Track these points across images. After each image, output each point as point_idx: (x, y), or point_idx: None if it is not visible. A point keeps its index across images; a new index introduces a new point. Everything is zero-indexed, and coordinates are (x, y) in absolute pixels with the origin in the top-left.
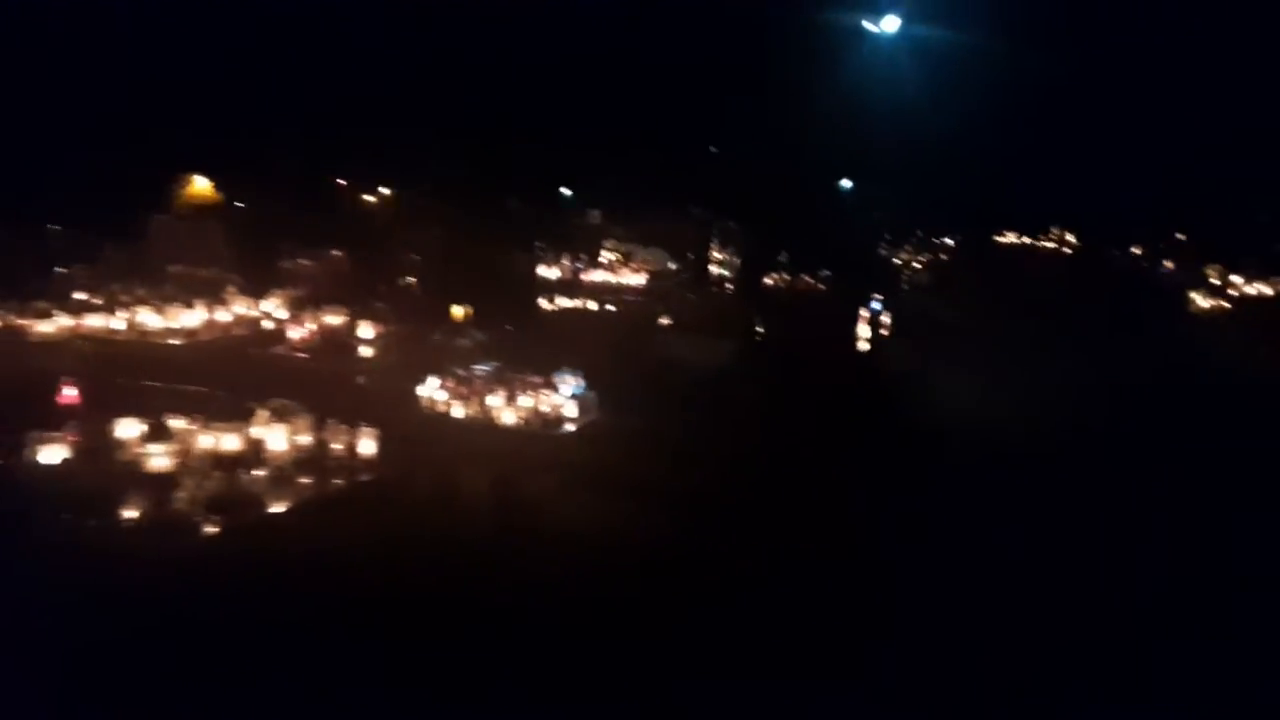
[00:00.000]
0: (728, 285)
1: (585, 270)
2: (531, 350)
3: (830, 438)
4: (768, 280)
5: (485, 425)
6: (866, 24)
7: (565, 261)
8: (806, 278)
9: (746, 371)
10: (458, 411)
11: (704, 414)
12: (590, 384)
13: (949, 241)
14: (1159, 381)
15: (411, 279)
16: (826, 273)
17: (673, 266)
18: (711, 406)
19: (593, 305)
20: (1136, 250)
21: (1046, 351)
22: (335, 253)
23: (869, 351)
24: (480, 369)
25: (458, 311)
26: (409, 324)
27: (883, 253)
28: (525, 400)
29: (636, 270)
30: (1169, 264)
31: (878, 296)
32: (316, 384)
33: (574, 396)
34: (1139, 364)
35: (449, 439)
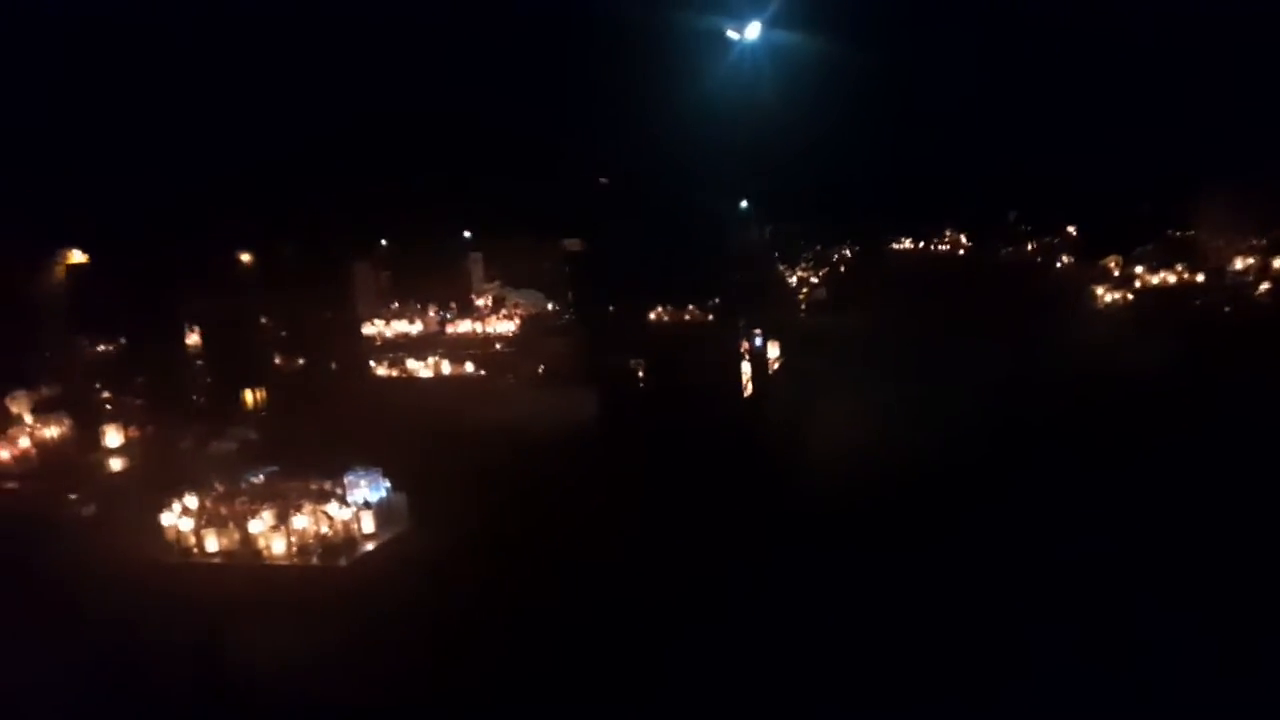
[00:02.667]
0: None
1: (451, 321)
2: (337, 439)
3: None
4: (652, 315)
5: (245, 564)
6: (730, 32)
7: (431, 314)
8: (693, 309)
9: (621, 430)
10: (212, 544)
11: (561, 500)
12: (406, 477)
13: (847, 254)
14: (1074, 376)
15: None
16: (714, 301)
17: (552, 308)
18: (573, 489)
19: (444, 366)
20: (1031, 246)
21: (953, 355)
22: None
23: (755, 393)
24: (253, 478)
25: (250, 397)
26: (178, 420)
27: (780, 270)
28: (302, 519)
29: (508, 316)
30: (1066, 258)
31: (757, 331)
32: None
33: (369, 505)
34: (1049, 359)
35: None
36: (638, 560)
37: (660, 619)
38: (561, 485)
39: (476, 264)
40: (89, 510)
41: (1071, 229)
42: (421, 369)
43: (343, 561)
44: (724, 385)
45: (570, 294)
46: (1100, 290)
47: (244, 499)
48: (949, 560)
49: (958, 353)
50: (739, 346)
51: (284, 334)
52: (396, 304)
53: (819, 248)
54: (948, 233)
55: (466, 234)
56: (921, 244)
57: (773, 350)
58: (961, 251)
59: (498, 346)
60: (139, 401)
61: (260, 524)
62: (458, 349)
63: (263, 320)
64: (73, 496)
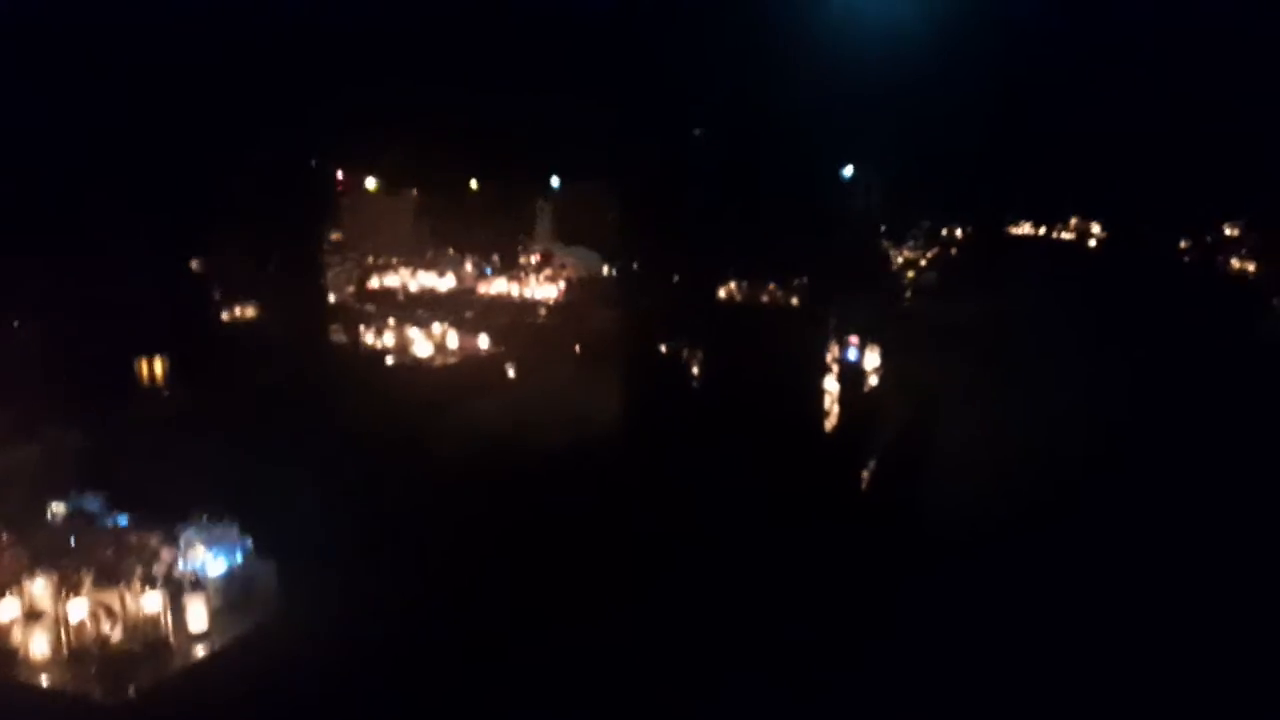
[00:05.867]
0: (676, 297)
1: (487, 279)
2: (238, 444)
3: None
4: (724, 292)
5: None
6: None
7: (468, 267)
8: (773, 288)
9: (651, 452)
10: None
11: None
12: (315, 520)
13: (959, 234)
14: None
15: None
16: (803, 280)
17: (609, 272)
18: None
19: (450, 337)
20: (1185, 244)
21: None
22: None
23: (845, 418)
24: (60, 511)
25: (153, 368)
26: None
27: (884, 246)
28: (80, 604)
29: (553, 278)
30: (1241, 262)
31: (852, 339)
32: None
33: (198, 584)
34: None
35: None
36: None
37: None
38: (544, 552)
39: (543, 212)
40: None
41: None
42: (420, 339)
43: (131, 691)
44: (800, 406)
45: (628, 255)
46: None
47: (19, 556)
48: None
49: (1130, 373)
50: (825, 353)
51: (220, 277)
52: (431, 252)
53: (927, 224)
54: (1074, 220)
55: (554, 181)
56: (1044, 229)
57: (871, 358)
58: (1093, 242)
59: (541, 314)
60: None
61: (10, 610)
62: (483, 314)
63: (189, 260)
64: None
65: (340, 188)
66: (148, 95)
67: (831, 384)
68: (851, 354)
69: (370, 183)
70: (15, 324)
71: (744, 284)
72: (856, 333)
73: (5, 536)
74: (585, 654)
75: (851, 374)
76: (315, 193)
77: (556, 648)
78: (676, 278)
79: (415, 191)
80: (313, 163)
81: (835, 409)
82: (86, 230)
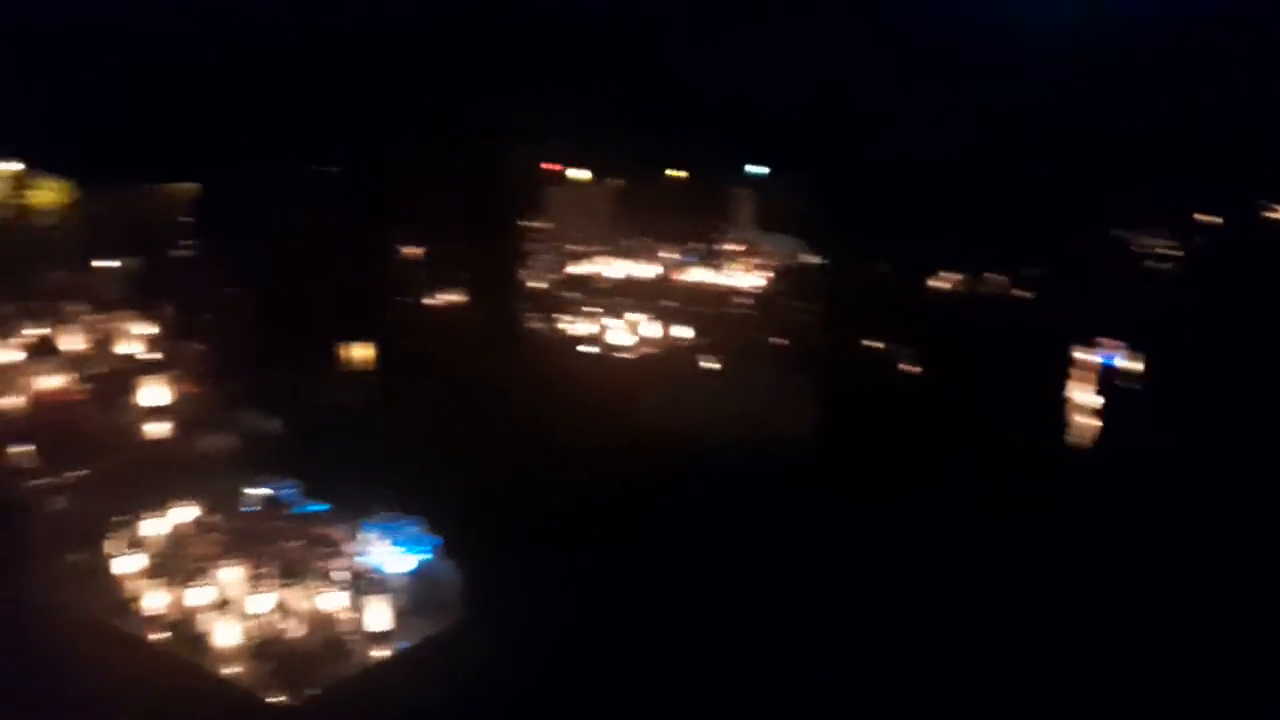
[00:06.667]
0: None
1: (684, 268)
2: (429, 434)
3: None
4: (936, 282)
5: (166, 661)
6: None
7: (667, 253)
8: (996, 276)
9: (860, 464)
10: (156, 602)
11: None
12: (507, 519)
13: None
14: None
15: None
16: (1033, 271)
17: (813, 260)
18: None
19: (646, 326)
20: None
21: None
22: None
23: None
24: (255, 495)
25: (357, 352)
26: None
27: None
28: (263, 599)
29: (755, 267)
30: None
31: (1109, 342)
32: None
33: (380, 582)
34: None
35: None
36: None
37: None
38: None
39: (745, 200)
40: (58, 504)
41: None
42: (618, 328)
43: (313, 690)
44: (1040, 418)
45: (831, 242)
46: None
47: (216, 540)
48: None
49: None
50: (1069, 357)
51: (425, 263)
52: (632, 240)
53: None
54: None
55: (762, 169)
56: None
57: (1130, 363)
58: None
59: (741, 304)
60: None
61: (203, 595)
62: (683, 304)
63: (400, 247)
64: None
65: (546, 178)
66: (384, 93)
67: (1081, 393)
68: (1108, 356)
69: (575, 173)
70: (220, 309)
71: (964, 275)
72: (1111, 333)
73: (205, 519)
74: (798, 661)
75: (1111, 384)
76: (520, 182)
77: (768, 653)
78: (885, 268)
79: (620, 181)
80: (517, 153)
81: (1088, 426)
82: (297, 218)
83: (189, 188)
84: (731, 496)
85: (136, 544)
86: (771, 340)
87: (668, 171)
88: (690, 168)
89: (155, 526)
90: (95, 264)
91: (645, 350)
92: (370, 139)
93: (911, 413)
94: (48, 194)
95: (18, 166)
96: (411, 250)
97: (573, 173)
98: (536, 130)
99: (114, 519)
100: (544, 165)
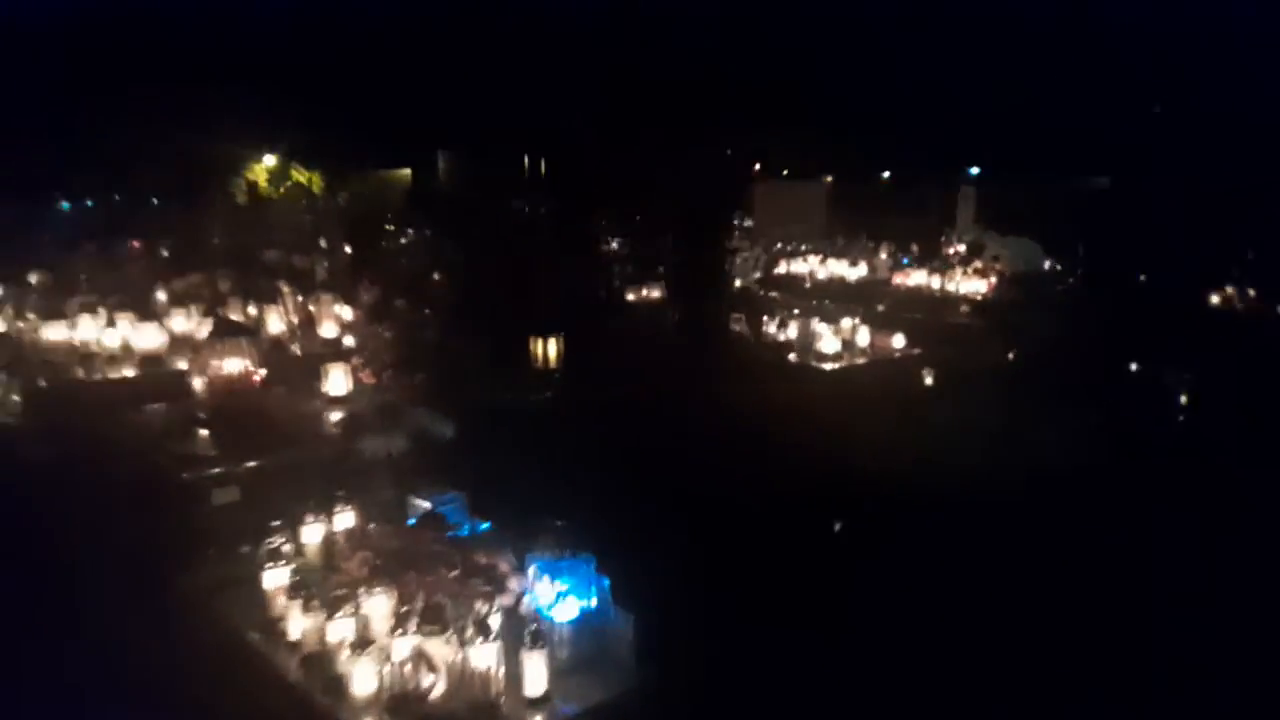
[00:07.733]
0: (1134, 303)
1: (904, 270)
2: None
3: None
4: (1216, 297)
5: (285, 704)
6: None
7: (883, 256)
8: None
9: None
10: (295, 628)
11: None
12: (652, 573)
13: None
14: None
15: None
16: None
17: (1050, 267)
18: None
19: (858, 331)
20: None
21: None
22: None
23: None
24: (417, 508)
25: (547, 349)
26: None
27: None
28: (402, 644)
29: (982, 272)
30: None
31: None
32: None
33: (537, 634)
34: None
35: None
36: None
37: None
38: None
39: (967, 199)
40: (230, 495)
41: None
42: (826, 334)
43: None
44: None
45: (1080, 248)
46: None
47: (363, 566)
48: None
49: None
50: None
51: (627, 255)
52: (843, 239)
53: None
54: None
55: (973, 169)
56: None
57: None
58: None
59: (962, 311)
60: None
61: (340, 631)
62: (899, 309)
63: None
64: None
65: (753, 175)
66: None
67: None
68: None
69: (784, 171)
70: (416, 297)
71: (1241, 290)
72: None
73: (359, 530)
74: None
75: None
76: (725, 179)
77: None
78: (1143, 278)
79: (828, 178)
80: (726, 151)
81: None
82: (486, 212)
83: (405, 174)
84: (980, 551)
85: (288, 554)
86: (1003, 353)
87: (884, 174)
88: (908, 168)
89: (312, 534)
90: (316, 247)
91: (855, 358)
92: (581, 132)
93: (1188, 451)
94: (301, 184)
95: (274, 160)
96: (615, 246)
97: (783, 170)
98: (748, 127)
99: (273, 522)
100: (755, 163)
